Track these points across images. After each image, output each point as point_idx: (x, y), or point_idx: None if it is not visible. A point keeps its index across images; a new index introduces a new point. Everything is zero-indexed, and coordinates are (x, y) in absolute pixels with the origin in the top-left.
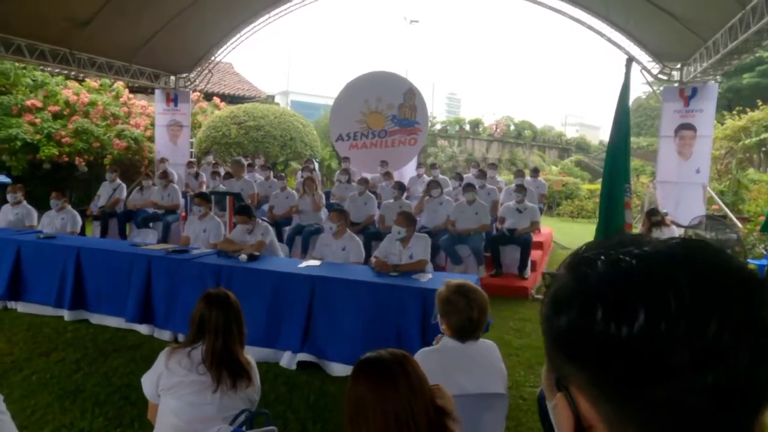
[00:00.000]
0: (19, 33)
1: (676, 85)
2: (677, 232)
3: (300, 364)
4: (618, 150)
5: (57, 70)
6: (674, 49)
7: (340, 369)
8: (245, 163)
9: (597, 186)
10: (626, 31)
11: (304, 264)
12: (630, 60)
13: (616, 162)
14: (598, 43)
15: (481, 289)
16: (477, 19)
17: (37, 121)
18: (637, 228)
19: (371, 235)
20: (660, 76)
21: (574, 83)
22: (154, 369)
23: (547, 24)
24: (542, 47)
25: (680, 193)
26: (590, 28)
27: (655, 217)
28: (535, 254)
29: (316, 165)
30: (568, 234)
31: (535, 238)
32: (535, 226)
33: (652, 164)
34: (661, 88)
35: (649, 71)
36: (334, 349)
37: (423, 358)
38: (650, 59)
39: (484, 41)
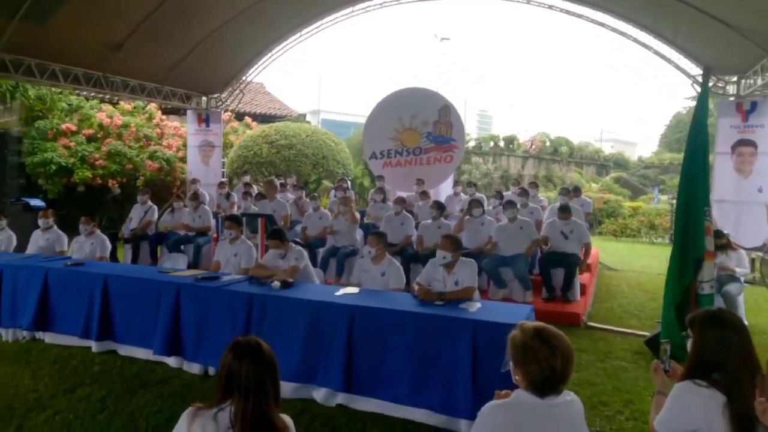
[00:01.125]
0: (54, 58)
1: (732, 99)
2: (745, 256)
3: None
4: (695, 170)
5: (92, 94)
6: (730, 61)
7: (382, 408)
8: (278, 183)
9: (639, 203)
10: (675, 44)
11: (341, 292)
12: (708, 69)
13: (693, 183)
14: (632, 57)
15: (562, 333)
16: (508, 35)
17: (72, 144)
18: None
19: (409, 257)
20: (713, 89)
21: (607, 98)
22: None
23: (576, 38)
24: (573, 62)
25: (740, 212)
26: (636, 41)
27: (719, 240)
28: (583, 277)
29: (350, 183)
30: (614, 254)
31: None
32: (588, 248)
33: None
34: (712, 102)
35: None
36: (376, 386)
37: (491, 415)
38: (702, 72)
39: (515, 57)
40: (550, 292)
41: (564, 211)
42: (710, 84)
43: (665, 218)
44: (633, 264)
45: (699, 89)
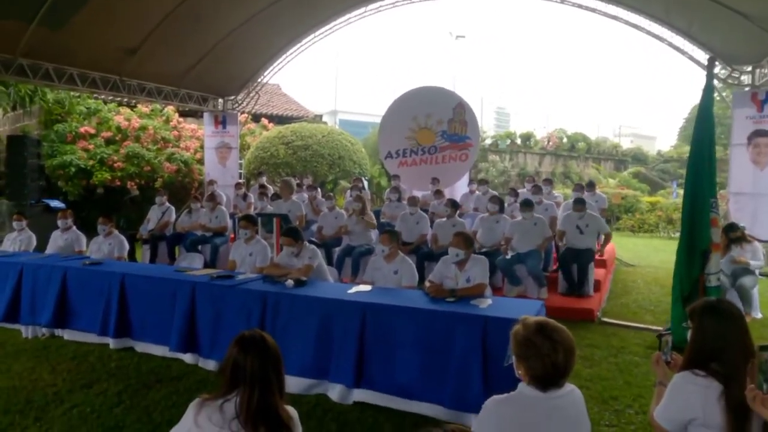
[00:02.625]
0: (71, 63)
1: (747, 89)
2: (760, 248)
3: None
4: (701, 161)
5: (109, 97)
6: (745, 51)
7: (394, 404)
8: (295, 183)
9: (657, 198)
10: (689, 35)
11: (354, 290)
12: (712, 59)
13: (700, 175)
14: (650, 50)
15: (563, 327)
16: (523, 31)
17: (91, 147)
18: None
19: (424, 255)
20: (728, 80)
21: (626, 93)
22: (181, 425)
23: (593, 32)
24: (591, 57)
25: (757, 205)
26: (649, 33)
27: (733, 233)
28: (598, 272)
29: (366, 183)
30: (631, 250)
31: (597, 255)
32: (608, 238)
33: (721, 175)
34: (727, 93)
35: (716, 75)
36: (388, 382)
37: (495, 409)
38: (717, 63)
39: (531, 53)
40: (571, 286)
41: (578, 203)
42: (725, 75)
43: None
44: (650, 259)
45: (716, 82)
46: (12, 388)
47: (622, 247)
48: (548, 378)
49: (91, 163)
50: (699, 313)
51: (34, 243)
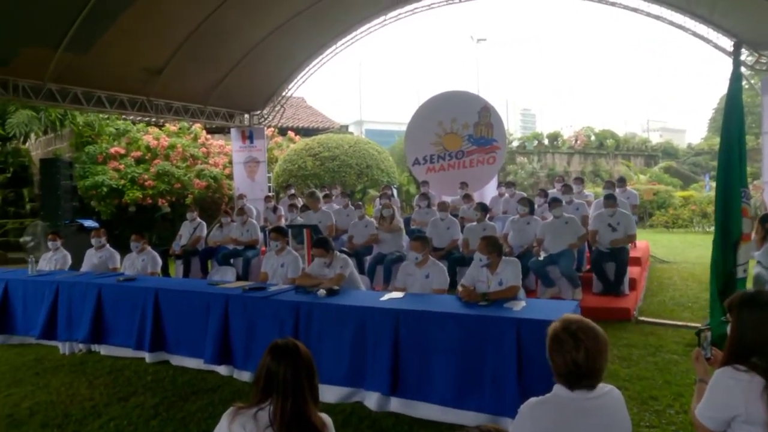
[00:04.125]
0: (99, 85)
1: None
2: None
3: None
4: (731, 151)
5: (137, 118)
6: None
7: (430, 411)
8: (320, 194)
9: (690, 192)
10: (711, 22)
11: (386, 297)
12: (738, 45)
13: (731, 165)
14: (676, 41)
15: (599, 329)
16: (543, 31)
17: (121, 167)
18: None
19: (455, 260)
20: (756, 66)
21: (652, 86)
22: None
23: (617, 26)
24: (613, 51)
25: None
26: (671, 23)
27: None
28: (633, 271)
29: (395, 191)
30: (666, 246)
31: (632, 253)
32: (631, 238)
33: (754, 165)
34: (754, 80)
35: (742, 62)
36: (424, 389)
37: (531, 411)
38: (743, 49)
39: (553, 52)
40: (606, 286)
41: (609, 199)
42: (752, 61)
43: None
44: (686, 255)
45: (743, 69)
46: (50, 403)
47: (657, 243)
48: (570, 377)
49: (122, 182)
50: (737, 306)
51: (69, 262)
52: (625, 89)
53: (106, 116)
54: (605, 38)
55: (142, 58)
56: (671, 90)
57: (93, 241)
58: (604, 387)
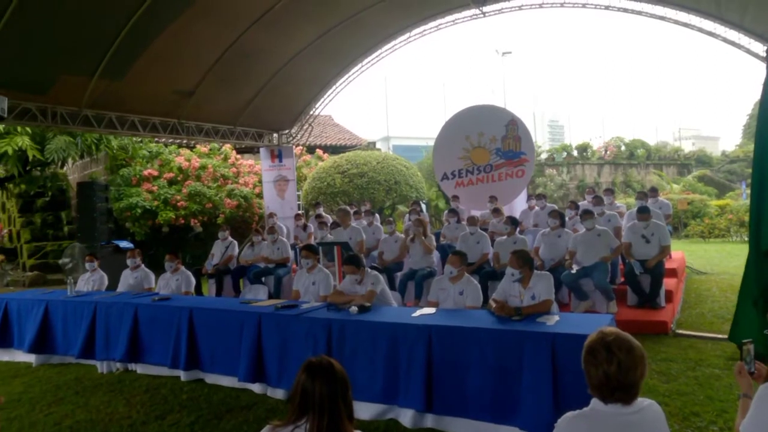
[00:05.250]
0: (132, 110)
1: None
2: None
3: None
4: (765, 158)
5: (169, 140)
6: None
7: (465, 427)
8: (351, 211)
9: (726, 201)
10: (743, 27)
11: (418, 313)
12: None
13: (765, 172)
14: (706, 47)
15: (636, 342)
16: (569, 41)
17: (155, 188)
18: None
19: (486, 274)
20: None
21: (683, 93)
22: None
23: (641, 37)
24: (642, 60)
25: None
26: (701, 30)
27: None
28: (669, 282)
29: (424, 207)
30: (702, 257)
31: (668, 264)
32: (665, 251)
33: None
34: None
35: None
36: (458, 405)
37: (569, 426)
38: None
39: (580, 62)
40: (641, 298)
41: (642, 211)
42: None
43: None
44: (724, 266)
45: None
46: (90, 421)
47: (693, 254)
48: (602, 388)
49: (155, 203)
50: None
51: (106, 282)
52: (656, 97)
53: (140, 139)
54: (632, 46)
55: (173, 81)
56: (703, 96)
57: (128, 261)
58: (642, 401)
